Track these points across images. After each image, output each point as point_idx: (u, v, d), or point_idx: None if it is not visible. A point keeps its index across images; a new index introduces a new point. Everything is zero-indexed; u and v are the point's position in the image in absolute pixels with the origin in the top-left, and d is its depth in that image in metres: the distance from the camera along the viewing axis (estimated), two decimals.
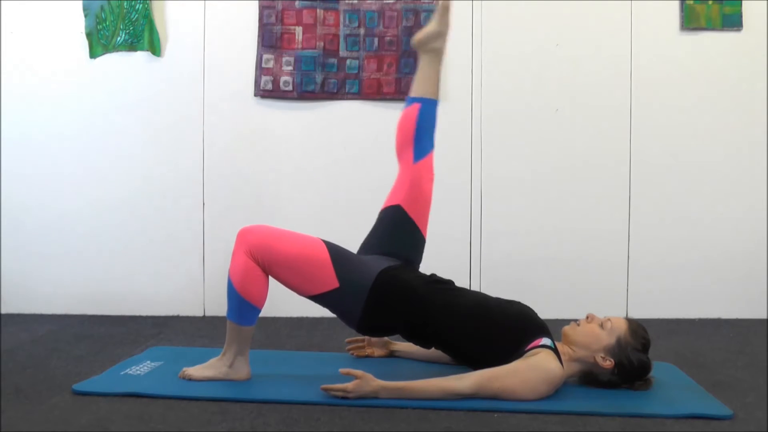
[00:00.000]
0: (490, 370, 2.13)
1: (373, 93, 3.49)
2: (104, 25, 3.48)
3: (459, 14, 3.47)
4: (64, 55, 3.51)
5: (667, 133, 3.50)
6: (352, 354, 2.66)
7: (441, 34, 2.46)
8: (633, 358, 2.21)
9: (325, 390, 2.14)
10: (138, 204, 3.52)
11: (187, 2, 3.50)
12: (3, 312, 3.53)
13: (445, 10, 2.45)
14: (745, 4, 3.45)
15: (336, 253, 2.26)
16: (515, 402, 2.09)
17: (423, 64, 2.50)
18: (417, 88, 2.49)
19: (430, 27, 2.46)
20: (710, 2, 3.45)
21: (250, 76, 3.50)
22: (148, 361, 2.54)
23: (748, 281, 3.50)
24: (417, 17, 3.47)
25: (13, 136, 3.54)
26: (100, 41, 3.49)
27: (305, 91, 3.49)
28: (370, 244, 2.46)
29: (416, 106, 2.46)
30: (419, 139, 2.45)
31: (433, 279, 2.37)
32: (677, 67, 3.49)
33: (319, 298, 2.27)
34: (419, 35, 2.47)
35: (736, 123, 3.49)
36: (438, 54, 2.48)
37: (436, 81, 2.49)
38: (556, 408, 2.08)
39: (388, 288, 2.25)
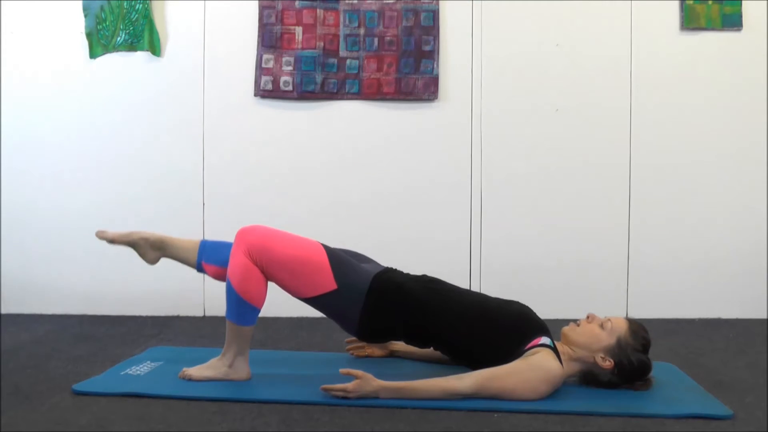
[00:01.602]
0: (490, 369, 2.13)
1: (373, 93, 3.49)
2: (104, 25, 3.48)
3: (459, 14, 3.48)
4: (64, 55, 3.51)
5: (667, 133, 3.50)
6: (352, 354, 2.66)
7: (136, 244, 2.53)
8: (633, 358, 2.21)
9: (325, 390, 2.14)
10: (138, 204, 3.52)
11: (187, 2, 3.50)
12: (3, 312, 3.53)
13: (117, 239, 2.54)
14: (745, 4, 3.45)
15: (334, 256, 2.27)
16: (515, 402, 2.09)
17: (168, 254, 2.53)
18: (188, 261, 2.50)
19: (138, 253, 2.56)
20: (710, 2, 3.45)
21: (250, 76, 3.50)
22: (148, 361, 2.54)
23: (748, 281, 3.50)
24: (417, 17, 3.47)
25: (14, 136, 3.54)
26: (100, 41, 3.49)
27: (305, 91, 3.49)
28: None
29: (204, 264, 2.46)
30: (221, 258, 2.42)
31: (427, 279, 2.38)
32: (677, 67, 3.48)
33: (316, 301, 2.27)
34: (146, 261, 2.55)
35: (736, 123, 3.49)
36: (157, 243, 2.51)
37: (182, 243, 2.51)
38: (556, 408, 2.08)
39: (385, 290, 2.26)
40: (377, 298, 2.24)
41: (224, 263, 2.37)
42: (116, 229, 3.48)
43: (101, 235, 2.56)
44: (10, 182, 3.55)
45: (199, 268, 2.49)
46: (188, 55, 3.51)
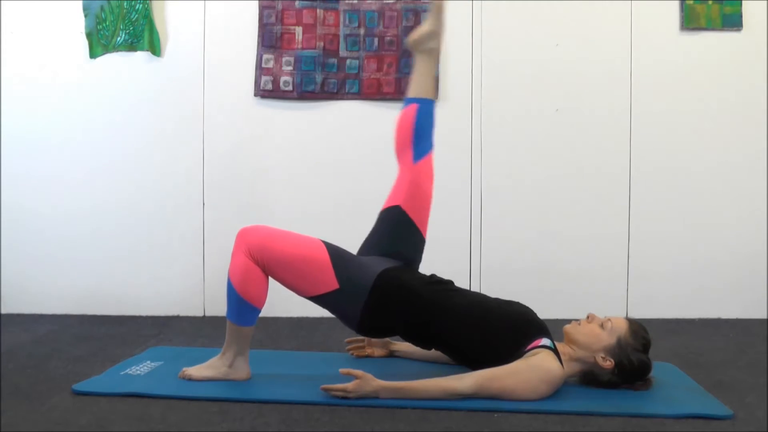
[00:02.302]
0: (490, 370, 2.13)
1: (373, 93, 3.49)
2: (104, 25, 3.48)
3: (459, 14, 3.48)
4: (64, 55, 3.51)
5: (667, 133, 3.50)
6: (352, 354, 2.66)
7: (436, 34, 2.46)
8: (633, 358, 2.21)
9: (325, 390, 2.14)
10: (138, 204, 3.52)
11: (187, 2, 3.50)
12: (3, 312, 3.53)
13: (440, 10, 2.45)
14: (745, 4, 3.45)
15: (336, 254, 2.27)
16: (515, 402, 2.09)
17: (419, 64, 2.50)
18: (414, 89, 2.49)
19: (425, 27, 2.46)
20: (710, 2, 3.45)
21: (250, 76, 3.50)
22: (148, 361, 2.54)
23: (748, 281, 3.50)
24: (417, 17, 3.47)
25: (13, 137, 3.54)
26: (100, 41, 3.49)
27: (305, 91, 3.49)
28: (370, 245, 2.46)
29: (414, 106, 2.46)
30: (418, 139, 2.45)
31: (434, 280, 2.37)
32: (677, 67, 3.48)
33: (319, 299, 2.27)
34: (414, 35, 2.48)
35: (736, 123, 3.49)
36: (433, 54, 2.49)
37: (432, 81, 2.50)
38: (556, 408, 2.08)
39: (388, 289, 2.25)
40: (379, 297, 2.23)
41: (417, 132, 2.41)
42: (116, 229, 3.51)
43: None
44: (10, 183, 3.55)
45: (407, 102, 2.46)
46: (188, 55, 3.51)
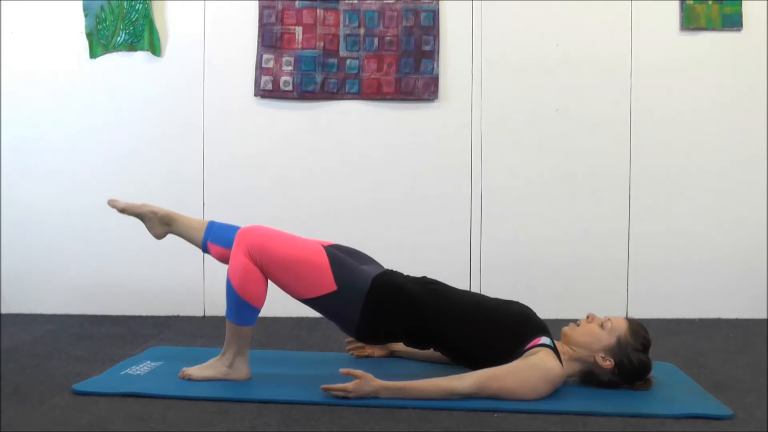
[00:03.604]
0: (490, 369, 2.13)
1: (373, 93, 3.49)
2: (104, 25, 3.48)
3: (459, 14, 3.48)
4: (64, 55, 3.51)
5: (667, 133, 3.50)
6: (352, 354, 2.66)
7: (147, 216, 2.54)
8: (633, 358, 2.21)
9: (326, 390, 2.14)
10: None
11: (187, 2, 3.50)
12: (3, 312, 3.53)
13: (127, 209, 2.56)
14: (745, 4, 3.45)
15: (334, 257, 2.27)
16: (515, 402, 2.09)
17: (175, 231, 2.53)
18: (195, 240, 2.49)
19: (145, 225, 2.56)
20: (710, 2, 3.45)
21: (250, 76, 3.50)
22: (148, 361, 2.54)
23: (748, 281, 3.50)
24: (417, 17, 3.47)
25: (14, 136, 3.54)
26: (100, 41, 3.49)
27: (305, 91, 3.49)
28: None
29: (209, 244, 2.46)
30: (226, 239, 2.43)
31: (427, 281, 2.38)
32: (677, 67, 3.48)
33: (316, 302, 2.27)
34: (153, 235, 2.55)
35: (736, 123, 3.49)
36: (166, 218, 2.52)
37: (191, 222, 2.52)
38: (556, 408, 2.08)
39: (385, 291, 2.26)
40: (377, 299, 2.24)
41: (229, 245, 2.37)
42: (116, 228, 3.51)
43: (113, 204, 2.56)
44: (11, 181, 3.55)
45: (205, 248, 2.49)
46: (188, 55, 3.51)
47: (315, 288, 2.24)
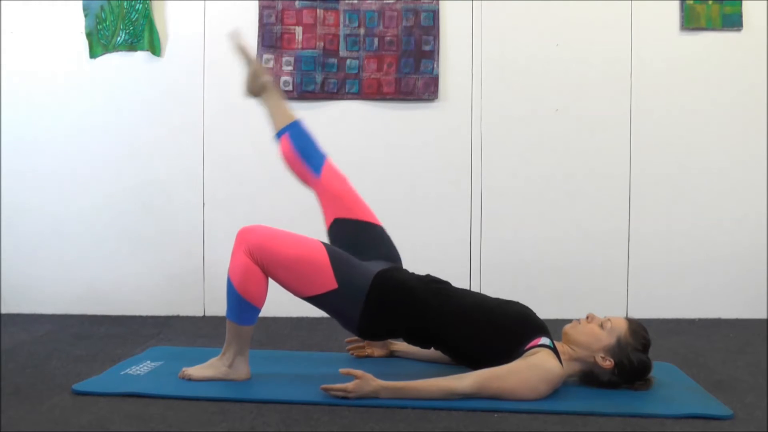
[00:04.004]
0: (490, 369, 2.13)
1: (373, 93, 3.49)
2: (104, 25, 3.48)
3: (459, 14, 3.48)
4: (64, 55, 3.51)
5: (667, 133, 3.50)
6: (352, 354, 2.66)
7: (256, 71, 2.58)
8: (633, 358, 2.21)
9: (325, 390, 2.14)
10: (138, 204, 3.52)
11: (187, 2, 3.50)
12: (3, 312, 3.53)
13: (242, 50, 2.58)
14: (745, 4, 3.45)
15: (335, 254, 2.27)
16: (515, 402, 2.09)
17: (265, 103, 2.61)
18: (275, 123, 2.60)
19: (247, 72, 2.59)
20: (710, 2, 3.45)
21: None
22: (148, 361, 2.54)
23: (748, 281, 3.50)
24: (417, 17, 3.47)
25: (13, 136, 3.54)
26: (100, 41, 3.49)
27: (305, 91, 3.49)
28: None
29: (285, 137, 2.56)
30: (308, 159, 2.55)
31: (430, 279, 2.38)
32: (677, 67, 3.49)
33: (317, 300, 2.27)
34: (245, 87, 2.62)
35: (736, 123, 3.50)
36: (269, 87, 2.60)
37: (284, 108, 2.61)
38: (556, 408, 2.08)
39: (387, 289, 2.25)
40: (378, 296, 2.24)
41: (303, 154, 2.51)
42: (116, 228, 3.51)
43: (235, 37, 2.57)
44: (10, 182, 3.55)
45: (278, 137, 2.56)
46: (188, 55, 3.51)
47: (316, 286, 2.24)
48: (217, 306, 3.36)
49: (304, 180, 2.59)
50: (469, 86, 3.50)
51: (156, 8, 3.50)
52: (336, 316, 2.32)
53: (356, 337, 2.67)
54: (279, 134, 2.58)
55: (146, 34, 3.48)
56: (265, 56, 3.47)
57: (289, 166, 2.58)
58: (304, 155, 2.54)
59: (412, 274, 2.39)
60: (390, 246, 2.50)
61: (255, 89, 2.60)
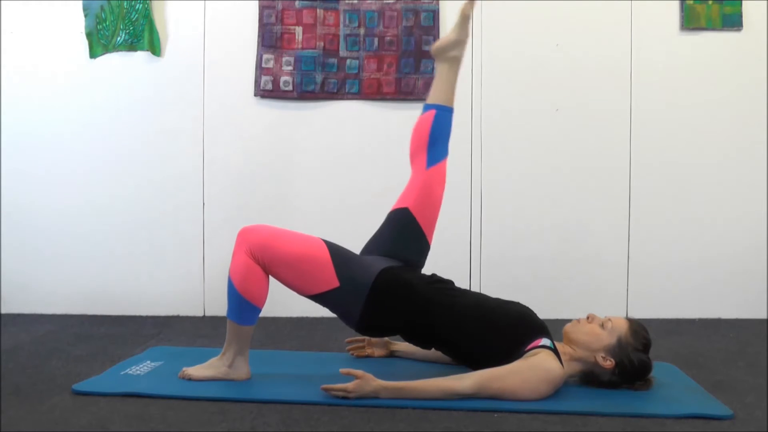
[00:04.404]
0: (490, 370, 2.13)
1: (373, 93, 3.49)
2: (104, 25, 3.48)
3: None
4: (64, 55, 3.51)
5: (667, 133, 3.50)
6: (352, 354, 2.66)
7: (460, 43, 2.50)
8: (634, 358, 2.21)
9: (326, 390, 2.14)
10: (138, 204, 3.52)
11: (187, 2, 3.50)
12: (3, 312, 3.53)
13: (465, 19, 2.49)
14: (745, 4, 3.45)
15: (336, 252, 2.27)
16: (515, 402, 2.09)
17: (440, 71, 2.52)
18: (434, 95, 2.52)
19: (450, 35, 2.50)
20: (710, 2, 3.45)
21: (250, 76, 3.50)
22: (148, 361, 2.54)
23: (748, 281, 3.50)
24: (417, 17, 3.47)
25: (14, 136, 3.54)
26: (100, 41, 3.49)
27: (305, 91, 3.49)
28: (374, 245, 2.46)
29: (432, 112, 2.49)
30: (433, 145, 2.47)
31: (434, 279, 2.38)
32: (677, 67, 3.49)
33: (319, 298, 2.27)
34: (438, 43, 2.51)
35: (736, 123, 3.50)
36: (456, 62, 2.51)
37: (452, 89, 2.53)
38: (556, 408, 2.08)
39: (388, 287, 2.25)
40: (379, 295, 2.24)
41: (432, 137, 2.46)
42: (116, 228, 3.51)
43: (469, 8, 2.50)
44: (10, 182, 3.55)
45: (427, 107, 2.50)
46: (188, 55, 3.51)
47: (318, 284, 2.24)
48: (217, 306, 3.36)
49: (413, 159, 2.50)
50: (469, 86, 3.50)
51: (156, 8, 3.50)
52: (338, 314, 2.32)
53: (356, 337, 2.67)
54: (429, 107, 2.50)
55: (146, 34, 3.48)
56: (265, 56, 3.47)
57: (413, 137, 2.50)
58: (433, 140, 2.47)
59: (417, 273, 2.39)
60: (420, 258, 2.46)
61: (444, 54, 2.50)
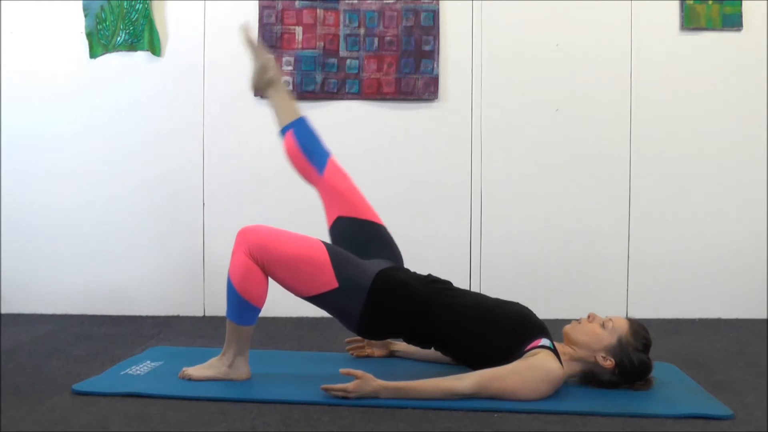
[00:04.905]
0: (490, 370, 2.13)
1: (373, 93, 3.49)
2: (104, 25, 3.48)
3: (459, 14, 3.48)
4: (64, 55, 3.51)
5: (667, 133, 3.50)
6: (352, 354, 2.66)
7: (265, 66, 2.56)
8: (634, 358, 2.21)
9: (326, 390, 2.14)
10: (138, 204, 3.52)
11: (187, 2, 3.50)
12: (3, 312, 3.53)
13: (252, 44, 2.56)
14: (745, 4, 3.45)
15: (335, 253, 2.27)
16: (515, 402, 2.09)
17: (271, 98, 2.60)
18: (281, 119, 2.60)
19: (254, 65, 2.57)
20: (710, 2, 3.45)
21: (250, 76, 3.49)
22: (148, 361, 2.54)
23: (748, 281, 3.50)
24: (417, 17, 3.47)
25: (14, 136, 3.54)
26: (100, 41, 3.49)
27: (305, 91, 3.49)
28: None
29: (290, 133, 2.56)
30: (312, 156, 2.55)
31: (431, 279, 2.38)
32: (677, 67, 3.49)
33: (318, 299, 2.27)
34: (252, 81, 2.59)
35: (736, 123, 3.50)
36: (276, 82, 2.59)
37: (291, 103, 2.60)
38: (556, 408, 2.08)
39: (387, 288, 2.25)
40: (378, 296, 2.24)
41: (306, 150, 2.50)
42: (116, 228, 3.51)
43: (244, 31, 2.55)
44: (10, 182, 3.55)
45: (282, 133, 2.56)
46: (188, 55, 3.51)
47: (317, 285, 2.24)
48: (217, 306, 3.36)
49: (307, 177, 2.59)
50: (469, 86, 3.50)
51: (156, 8, 3.50)
52: (336, 315, 2.32)
53: (356, 337, 2.67)
54: (284, 130, 2.58)
55: (146, 34, 3.48)
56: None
57: (292, 162, 2.58)
58: (308, 152, 2.54)
59: (414, 273, 2.39)
60: (392, 245, 2.50)
61: (262, 84, 2.59)
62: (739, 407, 2.12)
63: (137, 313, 3.51)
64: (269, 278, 2.26)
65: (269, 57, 2.58)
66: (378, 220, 2.52)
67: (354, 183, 2.57)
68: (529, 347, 2.17)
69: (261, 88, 2.62)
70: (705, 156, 3.50)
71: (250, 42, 2.56)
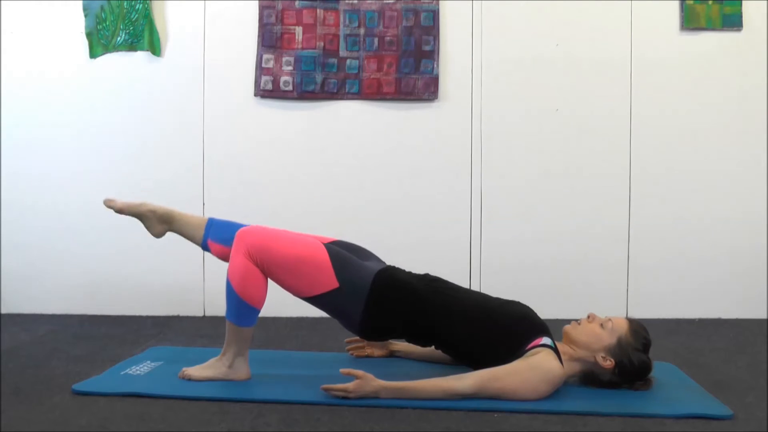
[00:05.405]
0: (491, 370, 2.13)
1: (373, 93, 3.49)
2: (104, 25, 3.48)
3: (459, 14, 3.48)
4: (64, 55, 3.51)
5: (667, 133, 3.50)
6: (352, 354, 2.66)
7: (144, 216, 2.52)
8: (634, 358, 2.21)
9: (326, 390, 2.14)
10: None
11: (187, 2, 3.50)
12: (3, 312, 3.53)
13: (126, 209, 2.52)
14: (745, 4, 3.45)
15: (335, 254, 2.27)
16: (515, 402, 2.09)
17: (174, 229, 2.52)
18: (194, 236, 2.49)
19: (143, 223, 2.53)
20: (710, 2, 3.45)
21: (250, 76, 3.50)
22: (148, 361, 2.54)
23: (748, 281, 3.50)
24: (417, 17, 3.47)
25: (14, 136, 3.54)
26: (100, 41, 3.49)
27: (305, 91, 3.49)
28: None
29: (209, 241, 2.46)
30: (227, 235, 2.41)
31: (431, 278, 2.38)
32: (677, 67, 3.49)
33: (318, 300, 2.27)
34: (151, 233, 2.53)
35: (736, 123, 3.50)
36: (167, 218, 2.51)
37: (191, 219, 2.51)
38: (556, 408, 2.08)
39: (388, 287, 2.25)
40: (379, 295, 2.24)
41: (230, 243, 2.35)
42: (116, 228, 3.51)
43: (109, 203, 2.53)
44: (10, 182, 3.55)
45: (205, 247, 2.48)
46: (188, 55, 3.51)
47: (317, 286, 2.24)
48: (217, 306, 3.35)
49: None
50: (469, 86, 3.50)
51: (156, 8, 3.50)
52: (337, 316, 2.32)
53: (356, 337, 2.67)
54: (204, 242, 2.48)
55: (146, 34, 3.48)
56: (265, 56, 3.47)
57: (227, 259, 2.38)
58: (231, 241, 2.36)
59: (411, 273, 2.39)
60: (372, 253, 2.47)
61: (160, 228, 2.52)
62: (739, 407, 2.12)
63: (137, 313, 3.51)
64: (269, 279, 2.26)
65: (141, 207, 2.52)
66: (330, 239, 2.44)
67: (276, 229, 2.36)
68: (529, 346, 2.17)
69: (161, 232, 2.53)
70: (705, 156, 3.50)
71: (124, 208, 2.51)
